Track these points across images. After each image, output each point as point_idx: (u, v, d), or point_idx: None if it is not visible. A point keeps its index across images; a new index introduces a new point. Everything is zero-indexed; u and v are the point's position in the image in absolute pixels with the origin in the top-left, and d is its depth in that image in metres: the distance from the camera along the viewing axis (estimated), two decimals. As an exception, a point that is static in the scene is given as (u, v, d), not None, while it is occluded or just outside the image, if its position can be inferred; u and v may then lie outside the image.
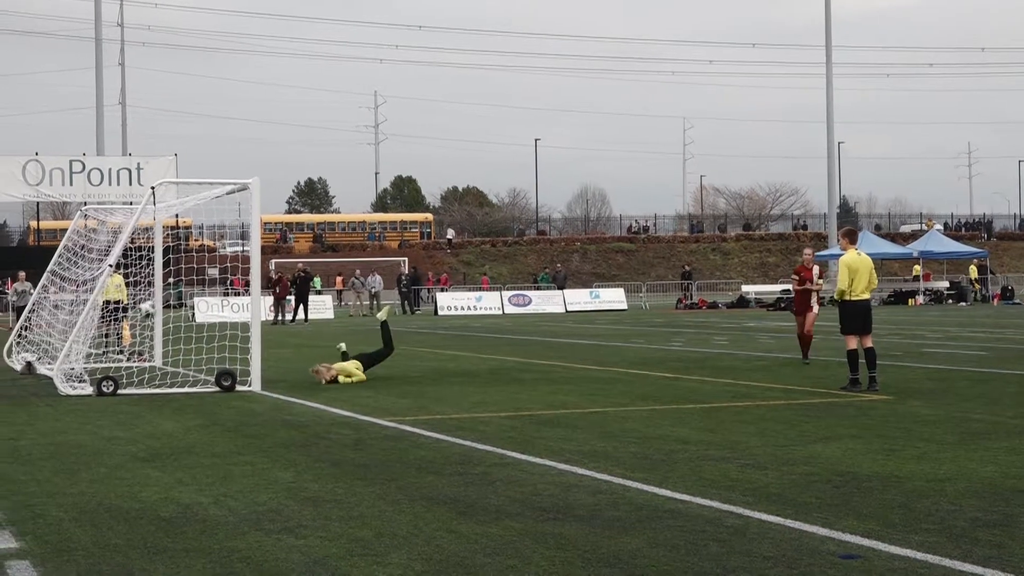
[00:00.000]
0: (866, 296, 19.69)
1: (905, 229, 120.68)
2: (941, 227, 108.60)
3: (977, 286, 69.54)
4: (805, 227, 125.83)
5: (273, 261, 79.93)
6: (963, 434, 14.27)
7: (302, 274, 57.74)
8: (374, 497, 10.84)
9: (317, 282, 71.93)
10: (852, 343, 19.62)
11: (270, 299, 54.48)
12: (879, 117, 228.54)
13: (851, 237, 20.24)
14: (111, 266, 22.30)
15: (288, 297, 56.82)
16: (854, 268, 19.48)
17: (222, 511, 10.35)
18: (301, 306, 56.79)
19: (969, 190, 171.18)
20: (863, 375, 19.45)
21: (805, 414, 16.53)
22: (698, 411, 17.15)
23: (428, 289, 79.37)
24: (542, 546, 8.83)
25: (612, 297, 68.37)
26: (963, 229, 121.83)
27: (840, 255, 20.15)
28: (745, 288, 75.33)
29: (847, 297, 19.56)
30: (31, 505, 10.79)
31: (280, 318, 55.80)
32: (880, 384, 19.33)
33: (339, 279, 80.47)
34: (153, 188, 22.08)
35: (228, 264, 67.52)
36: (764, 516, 9.70)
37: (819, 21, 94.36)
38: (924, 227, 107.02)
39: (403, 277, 71.51)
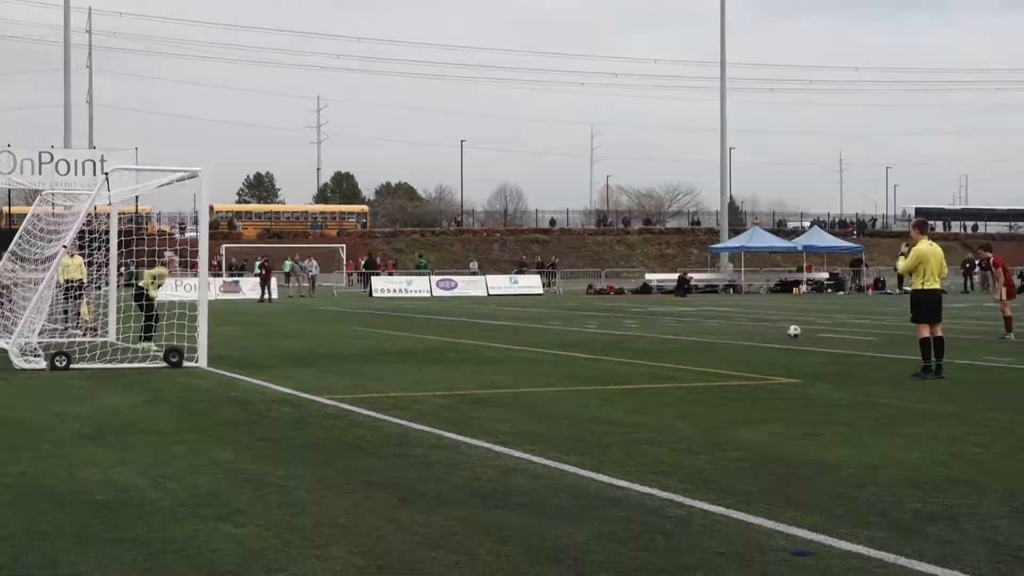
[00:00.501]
0: (937, 286, 18.10)
1: (793, 224, 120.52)
2: (809, 224, 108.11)
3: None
4: (699, 223, 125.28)
5: (224, 246, 78.11)
6: (879, 419, 13.18)
7: (266, 261, 59.46)
8: (313, 480, 9.54)
9: (287, 265, 70.70)
10: (924, 331, 17.84)
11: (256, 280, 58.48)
12: (764, 126, 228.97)
13: (922, 228, 18.63)
14: (64, 247, 20.83)
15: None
16: (925, 257, 17.94)
17: (159, 495, 9.02)
18: (266, 287, 57.68)
19: (840, 193, 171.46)
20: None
21: (723, 396, 15.43)
22: (621, 392, 15.97)
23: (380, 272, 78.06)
24: (486, 538, 7.60)
25: (529, 283, 67.22)
26: (836, 227, 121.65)
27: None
28: (648, 276, 74.42)
29: (917, 286, 18.10)
30: (-34, 486, 9.42)
31: (267, 297, 56.60)
32: (946, 373, 17.68)
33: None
34: (107, 174, 20.60)
35: (182, 247, 65.57)
36: (706, 506, 8.52)
37: (715, 40, 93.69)
38: (805, 225, 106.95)
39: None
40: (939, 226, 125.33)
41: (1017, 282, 39.19)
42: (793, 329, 26.76)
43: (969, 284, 66.09)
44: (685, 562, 7.02)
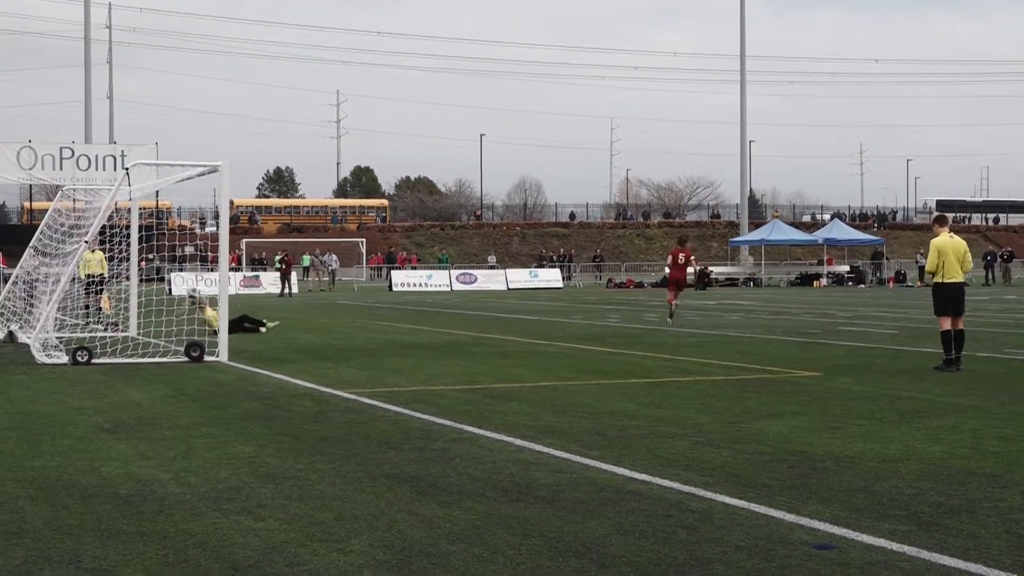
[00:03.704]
0: (958, 279, 18.01)
1: (806, 218, 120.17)
2: (830, 217, 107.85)
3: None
4: (718, 216, 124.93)
5: (244, 241, 78.26)
6: (899, 412, 13.13)
7: (286, 256, 59.71)
8: (334, 474, 9.55)
9: (306, 259, 71.28)
10: (945, 324, 17.83)
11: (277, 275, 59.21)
12: (784, 119, 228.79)
13: (942, 222, 18.53)
14: (86, 242, 20.89)
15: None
16: (945, 251, 17.86)
17: (181, 488, 9.03)
18: (286, 282, 58.26)
19: (861, 185, 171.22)
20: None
21: (744, 390, 15.38)
22: (643, 385, 15.95)
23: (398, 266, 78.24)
24: (506, 532, 7.59)
25: (549, 276, 67.22)
26: (857, 220, 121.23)
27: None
28: (668, 270, 74.28)
29: (938, 279, 17.99)
30: (-11, 480, 9.45)
31: (287, 291, 57.06)
32: (964, 366, 17.70)
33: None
34: (127, 169, 20.66)
35: (203, 242, 65.80)
36: (727, 499, 8.50)
37: (735, 33, 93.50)
38: (825, 218, 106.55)
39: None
40: (960, 218, 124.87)
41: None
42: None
43: (990, 276, 65.87)
44: (706, 556, 7.00)
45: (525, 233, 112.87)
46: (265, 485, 9.13)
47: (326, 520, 7.94)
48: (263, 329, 26.67)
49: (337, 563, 6.90)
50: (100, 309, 28.44)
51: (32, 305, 25.71)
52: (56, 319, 21.25)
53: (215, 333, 23.99)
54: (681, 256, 32.08)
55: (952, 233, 18.23)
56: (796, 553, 7.05)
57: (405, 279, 63.86)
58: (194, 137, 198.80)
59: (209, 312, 23.56)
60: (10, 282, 28.05)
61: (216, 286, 21.28)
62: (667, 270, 29.38)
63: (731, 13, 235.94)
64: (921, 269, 66.33)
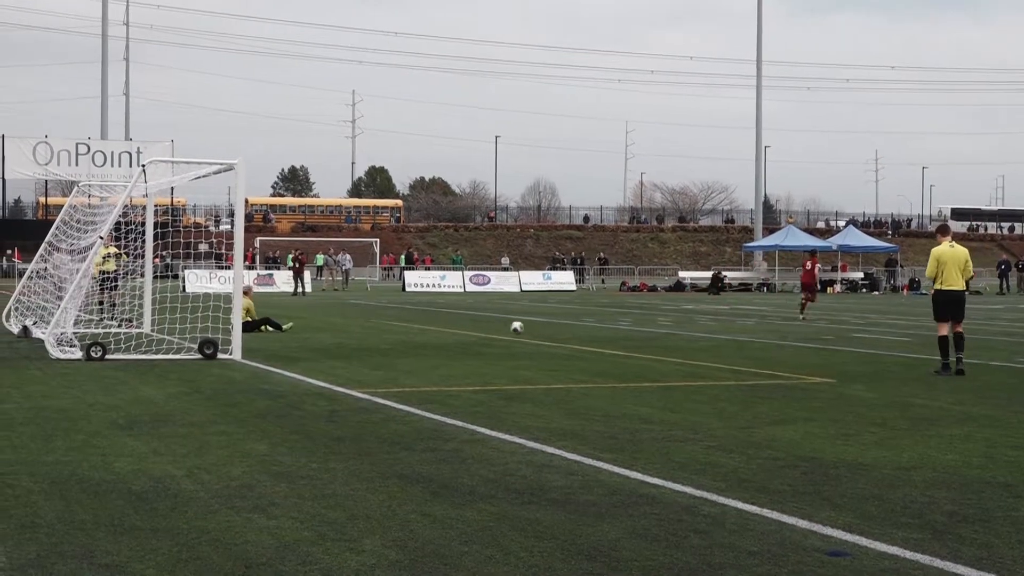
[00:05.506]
0: (957, 287, 18.39)
1: (820, 224, 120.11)
2: (844, 223, 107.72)
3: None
4: (733, 221, 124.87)
5: (258, 239, 78.40)
6: (913, 419, 13.10)
7: (299, 255, 59.83)
8: (347, 474, 9.56)
9: (319, 259, 71.48)
10: (943, 330, 18.38)
11: (290, 273, 59.16)
12: (799, 124, 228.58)
13: (943, 231, 19.09)
14: (101, 238, 20.93)
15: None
16: (943, 260, 18.33)
17: (194, 485, 9.05)
18: (299, 280, 58.12)
19: (876, 192, 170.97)
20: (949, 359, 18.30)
21: (755, 395, 15.36)
22: (655, 389, 15.93)
23: (415, 266, 78.33)
24: (519, 534, 7.59)
25: (562, 279, 67.21)
26: (872, 227, 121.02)
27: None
28: (682, 274, 74.31)
29: (937, 286, 18.47)
30: (3, 474, 9.46)
31: (300, 290, 56.99)
32: (965, 368, 18.04)
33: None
34: (143, 166, 20.68)
35: (218, 240, 65.97)
36: (740, 504, 8.49)
37: (751, 37, 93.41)
38: (839, 224, 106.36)
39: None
40: (975, 227, 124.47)
41: None
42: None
43: (1005, 285, 65.70)
44: (718, 561, 7.00)
45: (539, 235, 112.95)
46: (278, 483, 9.14)
47: (338, 519, 7.95)
48: (284, 328, 27.08)
49: (349, 562, 6.90)
50: (114, 305, 28.50)
51: (45, 300, 25.77)
52: (71, 314, 21.26)
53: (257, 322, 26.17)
54: (808, 264, 38.10)
55: (954, 242, 18.66)
56: (808, 559, 7.04)
57: (418, 279, 63.89)
58: (209, 135, 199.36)
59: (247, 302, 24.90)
60: (25, 276, 28.12)
61: (230, 284, 21.29)
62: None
63: (746, 16, 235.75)
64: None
